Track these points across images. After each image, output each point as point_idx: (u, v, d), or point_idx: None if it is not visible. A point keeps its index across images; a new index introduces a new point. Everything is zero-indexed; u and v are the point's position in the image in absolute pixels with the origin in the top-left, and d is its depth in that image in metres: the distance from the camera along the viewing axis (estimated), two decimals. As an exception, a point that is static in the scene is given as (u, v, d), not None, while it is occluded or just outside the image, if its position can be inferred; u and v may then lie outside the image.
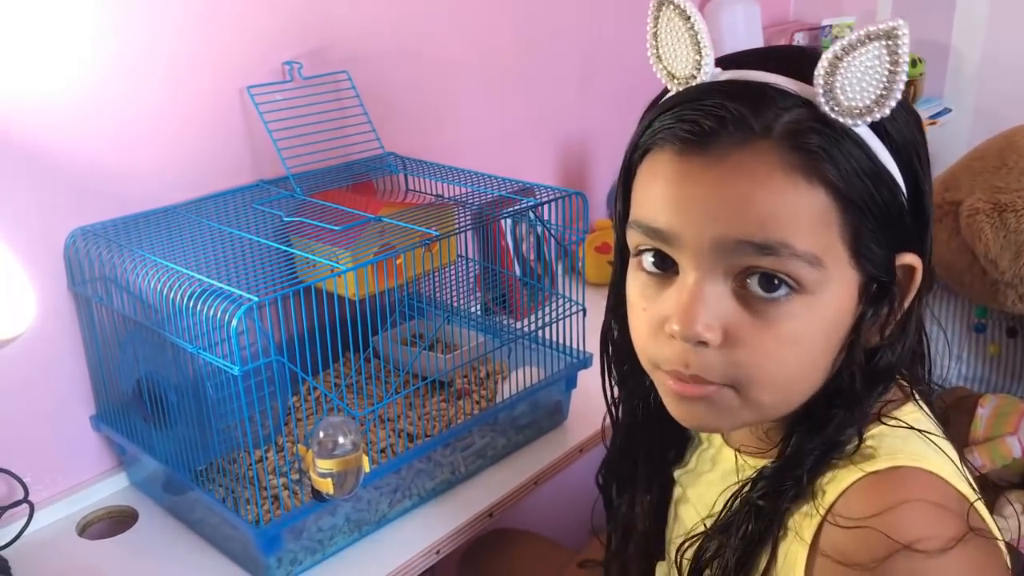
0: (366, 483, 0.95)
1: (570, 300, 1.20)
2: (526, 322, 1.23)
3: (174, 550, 1.03)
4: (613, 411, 0.85)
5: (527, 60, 1.62)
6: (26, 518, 1.03)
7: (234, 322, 0.84)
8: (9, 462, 1.04)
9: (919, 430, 0.66)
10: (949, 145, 1.95)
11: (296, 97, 1.21)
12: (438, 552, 1.03)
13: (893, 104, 0.58)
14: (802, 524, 0.65)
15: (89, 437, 1.12)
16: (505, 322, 1.31)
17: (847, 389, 0.66)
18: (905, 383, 0.71)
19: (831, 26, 2.14)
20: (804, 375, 0.65)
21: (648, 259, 0.66)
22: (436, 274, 1.26)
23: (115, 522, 1.10)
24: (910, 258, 0.65)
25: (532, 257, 1.52)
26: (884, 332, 0.66)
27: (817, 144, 0.59)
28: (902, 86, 0.58)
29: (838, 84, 0.58)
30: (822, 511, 0.63)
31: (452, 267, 1.24)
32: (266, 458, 1.05)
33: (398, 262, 1.07)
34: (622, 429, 0.86)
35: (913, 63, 2.07)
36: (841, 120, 0.59)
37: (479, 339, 1.25)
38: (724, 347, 0.62)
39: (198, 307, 0.88)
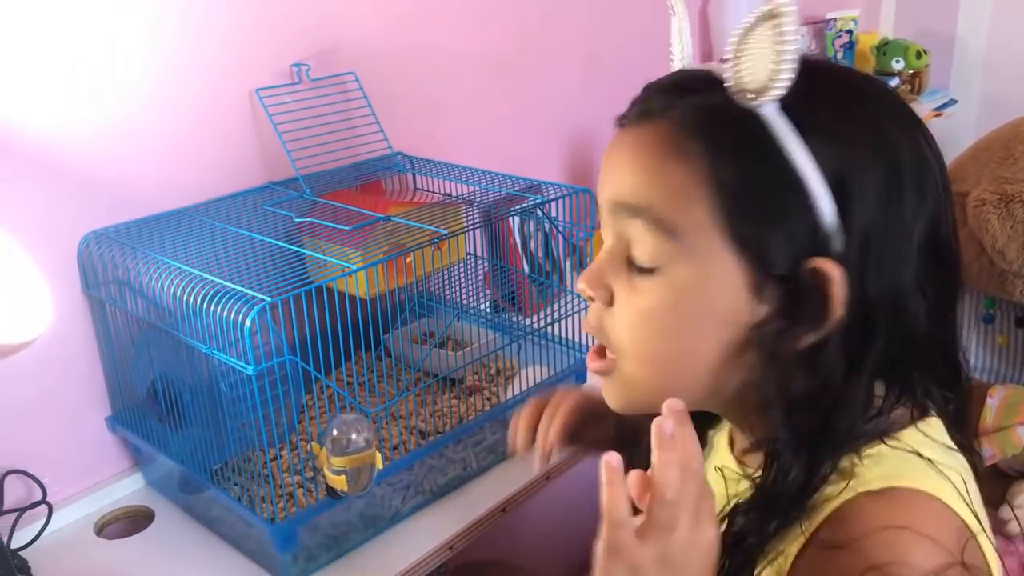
0: (379, 480, 0.96)
1: (578, 296, 1.20)
2: (535, 319, 1.24)
3: (191, 549, 1.04)
4: None
5: (533, 57, 1.62)
6: (44, 519, 1.04)
7: (247, 322, 0.85)
8: (27, 464, 1.05)
9: (923, 456, 0.63)
10: (955, 136, 1.95)
11: (304, 99, 1.22)
12: (451, 548, 1.04)
13: (780, 86, 0.58)
14: (788, 540, 0.64)
15: (105, 438, 1.13)
16: (515, 319, 1.32)
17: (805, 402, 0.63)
18: (906, 406, 0.66)
19: (836, 19, 2.14)
20: (674, 355, 0.64)
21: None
22: (446, 272, 1.27)
23: (132, 522, 1.11)
24: (822, 263, 0.59)
25: (541, 254, 1.52)
26: (808, 349, 0.61)
27: (699, 121, 0.61)
28: (785, 67, 0.58)
29: (737, 65, 0.60)
30: (808, 532, 0.62)
31: (461, 265, 1.25)
32: (280, 456, 1.06)
33: (408, 261, 1.07)
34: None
35: (918, 55, 2.07)
36: (741, 102, 0.60)
37: (489, 336, 1.26)
38: (610, 311, 0.66)
39: (211, 308, 0.89)
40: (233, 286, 0.91)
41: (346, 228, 1.05)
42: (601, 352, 0.68)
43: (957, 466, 0.64)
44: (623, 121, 0.66)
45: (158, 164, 1.13)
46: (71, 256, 1.06)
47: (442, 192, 1.31)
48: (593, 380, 1.23)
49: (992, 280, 1.41)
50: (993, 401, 1.42)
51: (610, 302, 0.66)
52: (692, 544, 0.58)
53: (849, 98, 0.62)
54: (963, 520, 0.60)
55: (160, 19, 1.09)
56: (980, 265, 1.40)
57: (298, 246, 1.07)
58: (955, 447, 0.67)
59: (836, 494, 0.62)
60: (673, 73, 0.68)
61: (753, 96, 0.59)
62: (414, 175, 1.34)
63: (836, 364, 0.61)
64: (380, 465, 0.93)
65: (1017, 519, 1.33)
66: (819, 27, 2.17)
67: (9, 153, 1.00)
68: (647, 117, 0.64)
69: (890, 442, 0.63)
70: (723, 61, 0.64)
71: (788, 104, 0.59)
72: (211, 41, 1.14)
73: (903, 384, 0.65)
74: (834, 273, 0.59)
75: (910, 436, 0.65)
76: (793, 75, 0.58)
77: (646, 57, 1.78)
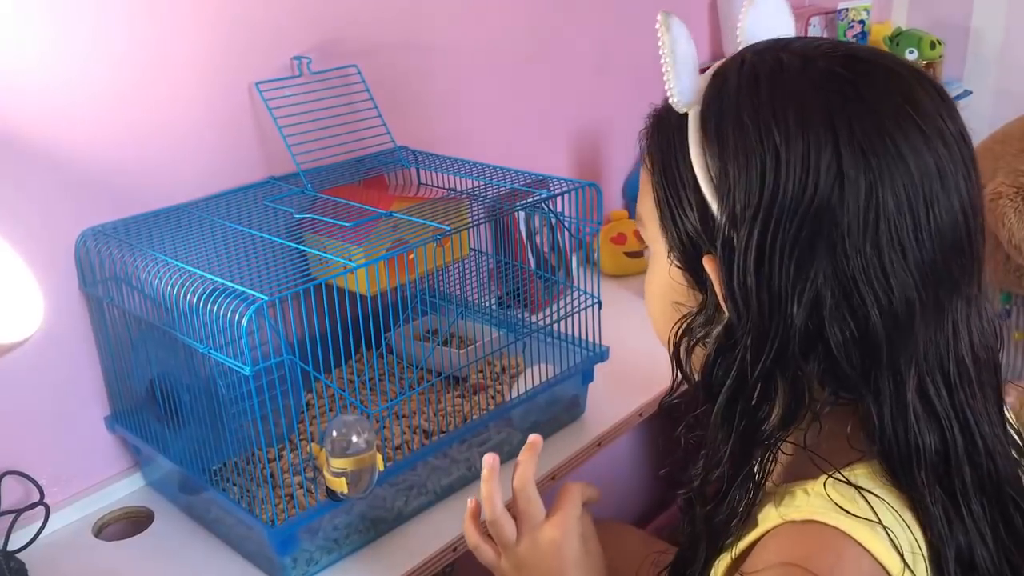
0: (381, 481, 0.94)
1: (585, 293, 1.18)
2: (541, 316, 1.22)
3: (190, 550, 1.02)
4: None
5: (539, 50, 1.60)
6: (42, 520, 1.03)
7: (244, 321, 0.83)
8: (24, 464, 1.04)
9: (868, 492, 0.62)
10: (969, 128, 1.92)
11: (305, 92, 1.20)
12: (455, 550, 1.02)
13: (672, 92, 0.65)
14: (722, 553, 0.68)
15: (104, 438, 1.12)
16: (520, 316, 1.30)
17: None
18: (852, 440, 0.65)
19: (847, 9, 2.11)
20: (656, 315, 0.75)
21: None
22: (450, 269, 1.25)
23: (131, 523, 1.10)
24: (707, 259, 0.65)
25: (547, 250, 1.50)
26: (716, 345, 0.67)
27: (651, 129, 0.70)
28: (667, 77, 0.65)
29: (665, 76, 0.66)
30: (734, 554, 0.65)
31: (466, 261, 1.23)
32: (280, 457, 1.04)
33: (411, 257, 1.06)
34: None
35: (932, 45, 2.04)
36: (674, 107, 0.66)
37: (494, 334, 1.24)
38: None
39: (209, 307, 0.87)
40: (231, 284, 0.89)
41: (348, 224, 1.03)
42: None
43: (889, 512, 0.62)
44: None
45: (156, 159, 1.11)
46: (68, 253, 1.04)
47: (446, 187, 1.29)
48: (599, 380, 1.22)
49: (1008, 275, 1.39)
50: (1010, 399, 1.40)
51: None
52: (535, 546, 0.80)
53: (747, 99, 0.62)
54: (883, 567, 0.59)
55: (158, 10, 1.07)
56: (996, 260, 1.38)
57: (299, 243, 1.05)
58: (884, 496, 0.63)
59: (765, 519, 0.64)
60: None
61: (672, 103, 0.66)
62: (418, 170, 1.32)
63: (740, 358, 0.64)
64: (381, 466, 0.91)
65: None
66: (831, 17, 2.14)
67: (5, 147, 0.98)
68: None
69: (838, 476, 0.63)
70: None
71: (703, 110, 0.65)
72: (210, 33, 1.12)
73: (797, 384, 0.64)
74: (709, 268, 0.64)
75: (863, 474, 0.64)
76: (679, 85, 0.65)
77: (656, 52, 1.75)
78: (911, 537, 0.62)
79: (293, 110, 1.17)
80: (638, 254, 1.62)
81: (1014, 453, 0.69)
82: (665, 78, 0.65)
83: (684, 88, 0.65)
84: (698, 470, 0.70)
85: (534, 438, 0.85)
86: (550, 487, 1.13)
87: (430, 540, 1.02)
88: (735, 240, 0.61)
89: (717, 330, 0.66)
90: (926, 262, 0.60)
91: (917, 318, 0.61)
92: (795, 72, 0.61)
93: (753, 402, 0.64)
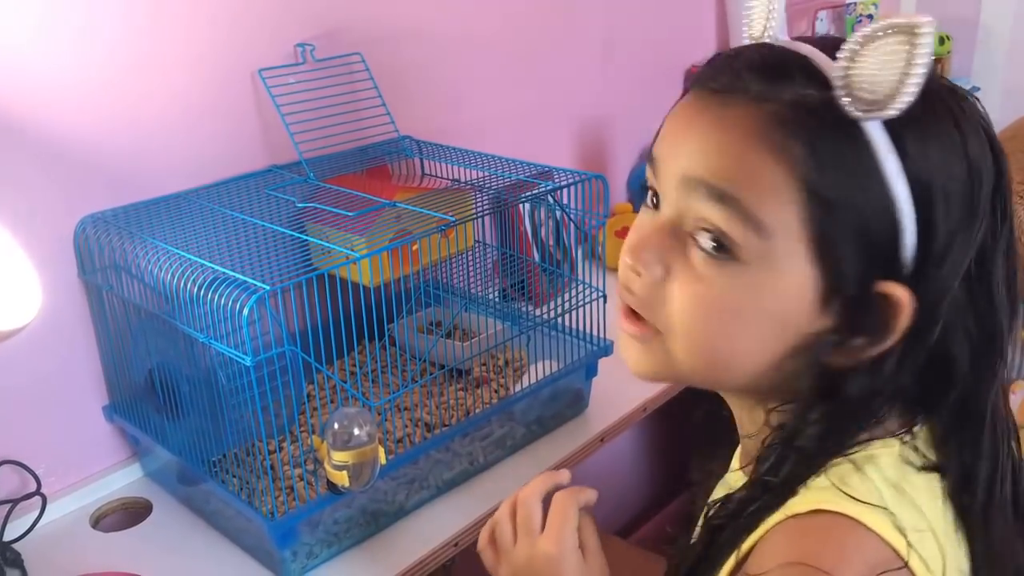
0: (383, 474, 0.93)
1: (590, 286, 1.17)
2: (545, 309, 1.20)
3: (188, 542, 1.01)
4: None
5: (546, 41, 1.58)
6: (39, 510, 1.02)
7: (245, 311, 0.82)
8: (21, 454, 1.02)
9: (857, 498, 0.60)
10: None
11: (309, 80, 1.18)
12: (456, 545, 1.01)
13: (902, 103, 0.55)
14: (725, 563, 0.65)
15: (102, 428, 1.11)
16: (524, 309, 1.29)
17: (820, 409, 0.63)
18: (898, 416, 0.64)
19: (856, 3, 2.09)
20: (729, 351, 0.63)
21: (650, 193, 0.67)
22: (453, 260, 1.24)
23: (129, 514, 1.08)
24: (893, 288, 0.58)
25: (551, 242, 1.49)
26: (854, 362, 0.61)
27: (802, 123, 0.58)
28: (913, 87, 0.55)
29: (854, 72, 0.56)
30: (738, 555, 0.63)
31: (470, 253, 1.22)
32: (281, 449, 1.03)
33: (414, 248, 1.04)
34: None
35: (941, 40, 2.02)
36: (851, 111, 0.56)
37: (498, 326, 1.22)
38: (663, 286, 0.63)
39: (209, 296, 0.86)
40: (231, 273, 0.88)
41: (350, 214, 1.02)
42: (637, 315, 0.65)
43: (911, 491, 0.61)
44: (708, 84, 0.62)
45: (157, 146, 1.09)
46: (67, 240, 1.03)
47: (450, 178, 1.27)
48: (603, 375, 1.21)
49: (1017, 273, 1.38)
50: (1016, 397, 1.39)
51: (663, 278, 0.63)
52: (531, 561, 0.76)
53: (945, 120, 0.58)
54: (893, 549, 0.58)
55: (160, -4, 1.06)
56: (1005, 257, 1.37)
57: (301, 232, 1.04)
58: (924, 466, 0.63)
59: (776, 516, 0.62)
60: (763, 47, 0.63)
61: (866, 108, 0.56)
62: (421, 160, 1.31)
63: (867, 382, 0.61)
64: (383, 460, 0.90)
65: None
66: (839, 11, 2.12)
67: (5, 133, 0.97)
68: (739, 97, 0.60)
69: (836, 460, 0.62)
70: (819, 47, 0.61)
71: (890, 122, 0.56)
72: (213, 19, 1.11)
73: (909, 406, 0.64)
74: (904, 301, 0.58)
75: (879, 450, 0.63)
76: (916, 95, 0.55)
77: (663, 43, 1.74)
78: (924, 508, 0.61)
79: (296, 98, 1.15)
80: (642, 248, 1.60)
81: None
82: (849, 74, 0.56)
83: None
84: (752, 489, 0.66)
85: (564, 473, 0.82)
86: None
87: (431, 535, 1.00)
88: (944, 270, 0.59)
89: (866, 351, 0.61)
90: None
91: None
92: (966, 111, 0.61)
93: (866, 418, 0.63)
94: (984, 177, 0.59)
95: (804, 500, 0.61)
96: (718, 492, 0.76)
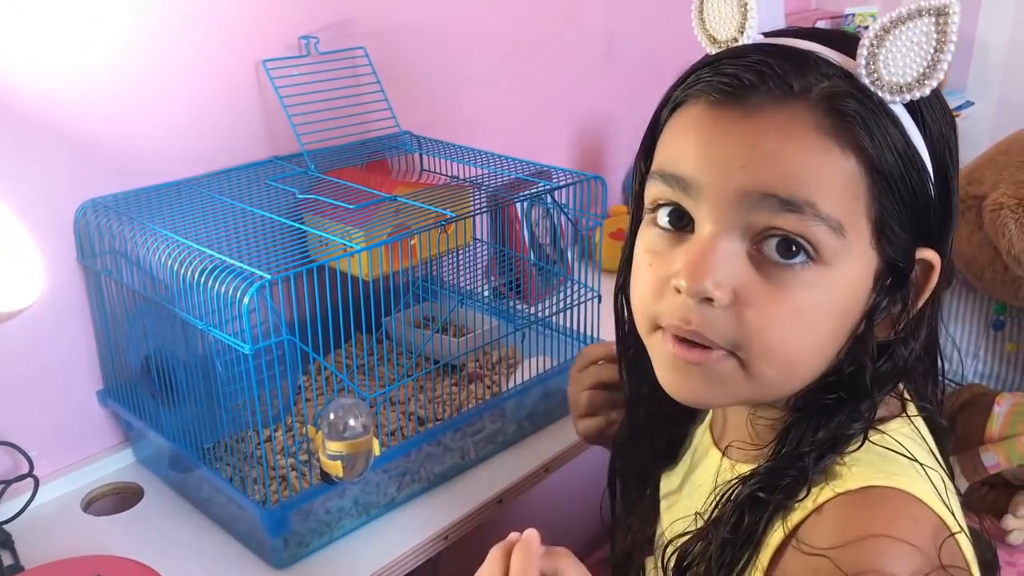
0: (375, 466, 0.94)
1: (585, 286, 1.18)
2: (540, 307, 1.21)
3: (179, 528, 1.01)
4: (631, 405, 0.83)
5: (547, 40, 1.59)
6: (30, 492, 1.02)
7: (246, 300, 0.83)
8: (14, 436, 1.03)
9: (902, 453, 0.63)
10: (971, 139, 1.92)
11: (312, 72, 1.19)
12: (446, 538, 1.01)
13: (934, 83, 0.58)
14: (770, 531, 0.63)
15: (96, 412, 1.11)
16: (518, 306, 1.30)
17: (851, 383, 0.64)
18: (897, 397, 0.67)
19: (854, 15, 2.11)
20: (810, 354, 0.62)
21: (664, 213, 0.64)
22: (450, 256, 1.24)
23: (120, 499, 1.09)
24: (929, 254, 0.63)
25: (547, 241, 1.50)
26: (896, 328, 0.64)
27: (854, 110, 0.58)
28: (946, 66, 0.57)
29: (882, 56, 0.58)
30: (786, 530, 0.62)
31: (466, 250, 1.22)
32: (274, 438, 1.04)
33: (412, 243, 1.05)
34: (628, 422, 0.85)
35: (937, 54, 2.04)
36: (880, 94, 0.59)
37: (492, 323, 1.23)
38: (732, 308, 0.60)
39: (209, 283, 0.86)
40: (232, 261, 0.88)
41: (350, 207, 1.03)
42: (692, 343, 0.62)
43: (935, 465, 0.64)
44: (719, 92, 0.60)
45: (160, 133, 1.10)
46: (67, 224, 1.03)
47: (449, 174, 1.28)
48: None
49: (1005, 286, 1.39)
50: (1000, 409, 1.40)
51: (732, 302, 0.60)
52: None
53: (937, 88, 0.62)
54: (941, 518, 0.60)
55: (167, -16, 1.06)
56: (994, 271, 1.38)
57: (300, 223, 1.04)
58: (933, 450, 0.67)
59: (817, 493, 0.61)
60: (755, 48, 0.62)
61: (897, 90, 0.58)
62: (421, 155, 1.32)
63: (904, 349, 0.64)
64: (377, 451, 0.91)
65: (1020, 530, 1.31)
66: (837, 22, 2.14)
67: (7, 116, 0.97)
68: (768, 99, 0.59)
69: (874, 437, 0.63)
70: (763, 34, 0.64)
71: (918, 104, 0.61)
72: (219, 9, 1.11)
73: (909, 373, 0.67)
74: (936, 263, 0.63)
75: (896, 429, 0.65)
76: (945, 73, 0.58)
77: (664, 44, 1.75)
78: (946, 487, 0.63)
79: (299, 90, 1.16)
80: (637, 250, 1.61)
81: None
82: (876, 59, 0.58)
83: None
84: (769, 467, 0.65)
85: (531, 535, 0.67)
86: (543, 480, 1.13)
87: (421, 527, 1.01)
88: (953, 226, 0.64)
89: (893, 320, 0.64)
90: None
91: None
92: None
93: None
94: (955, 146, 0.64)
95: (853, 477, 0.61)
96: (690, 499, 0.76)
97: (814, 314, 0.60)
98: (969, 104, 2.13)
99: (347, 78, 1.23)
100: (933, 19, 0.56)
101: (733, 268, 0.60)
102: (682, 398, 0.66)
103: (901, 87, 0.57)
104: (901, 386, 0.68)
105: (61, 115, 1.01)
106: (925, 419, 0.69)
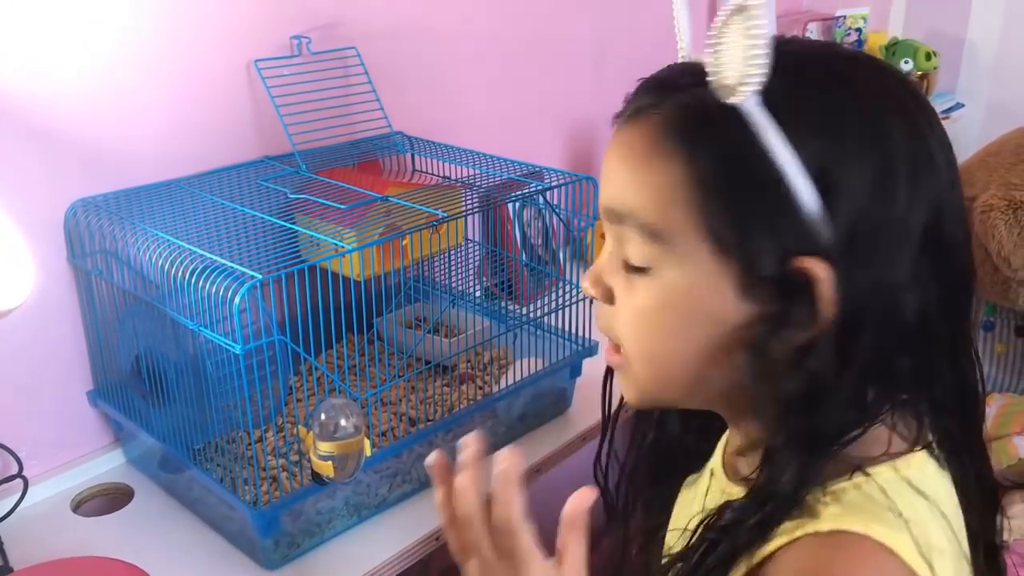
0: (366, 467, 0.94)
1: (577, 287, 1.18)
2: (531, 308, 1.21)
3: (170, 529, 1.01)
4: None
5: (539, 42, 1.59)
6: (19, 493, 1.02)
7: (237, 300, 0.82)
8: (3, 436, 1.02)
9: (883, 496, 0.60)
10: (961, 141, 1.93)
11: (303, 72, 1.19)
12: (437, 539, 1.01)
13: (756, 78, 0.56)
14: (738, 565, 0.62)
15: (86, 412, 1.11)
16: (509, 307, 1.30)
17: (805, 406, 0.61)
18: (893, 430, 0.63)
19: (845, 16, 2.12)
20: (672, 356, 0.64)
21: None
22: (441, 257, 1.24)
23: (110, 499, 1.08)
24: (809, 263, 0.57)
25: (539, 242, 1.50)
26: (800, 346, 0.60)
27: (684, 121, 0.60)
28: (759, 60, 0.56)
29: (716, 59, 0.58)
30: (750, 564, 0.61)
31: (458, 250, 1.22)
32: (265, 439, 1.03)
33: (404, 243, 1.05)
34: (648, 440, 0.83)
35: (927, 56, 2.05)
36: (721, 97, 0.58)
37: (484, 324, 1.23)
38: (611, 308, 0.67)
39: (200, 283, 0.86)
40: (223, 261, 0.88)
41: (341, 207, 1.02)
42: (617, 348, 0.68)
43: (926, 513, 0.60)
44: (616, 121, 0.66)
45: (151, 132, 1.10)
46: (57, 224, 1.03)
47: (441, 175, 1.28)
48: (586, 375, 1.21)
49: (995, 287, 1.40)
50: (990, 410, 1.41)
51: (611, 300, 0.66)
52: None
53: (833, 85, 0.59)
54: (911, 569, 0.57)
55: (158, -17, 1.06)
56: (984, 271, 1.39)
57: (291, 223, 1.04)
58: (928, 493, 0.62)
59: (791, 528, 0.60)
60: (665, 68, 0.66)
61: (731, 91, 0.57)
62: (413, 156, 1.32)
63: (827, 364, 0.59)
64: (368, 452, 0.90)
65: (1011, 530, 1.31)
66: (828, 24, 2.14)
67: (-4, 115, 0.97)
68: (635, 117, 0.63)
69: (858, 478, 0.61)
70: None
71: (768, 97, 0.57)
72: (211, 9, 1.11)
73: (891, 388, 0.62)
74: (821, 273, 0.57)
75: (883, 474, 0.61)
76: (766, 68, 0.56)
77: (656, 45, 1.74)
78: (946, 523, 0.61)
79: (290, 89, 1.16)
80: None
81: None
82: (714, 55, 0.58)
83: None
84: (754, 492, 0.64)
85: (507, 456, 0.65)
86: (534, 480, 1.13)
87: (412, 528, 1.01)
88: (860, 231, 0.58)
89: (799, 336, 0.59)
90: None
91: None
92: (872, 67, 0.62)
93: (829, 410, 0.61)
94: (898, 146, 0.58)
95: (828, 517, 0.59)
96: (694, 505, 0.76)
97: (655, 318, 0.63)
98: (959, 106, 2.14)
99: (339, 78, 1.23)
100: (741, 17, 0.56)
101: (611, 271, 0.66)
102: (624, 396, 0.73)
103: (731, 86, 0.57)
104: (896, 419, 0.64)
105: (51, 115, 1.01)
106: (950, 462, 0.65)
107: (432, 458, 0.68)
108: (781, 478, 0.61)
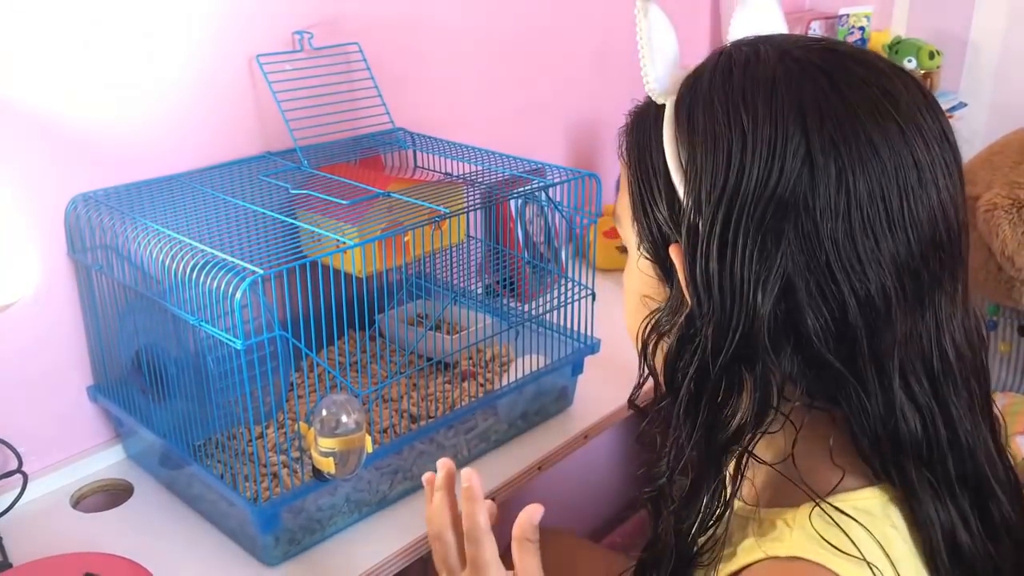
0: (367, 463, 0.93)
1: (579, 284, 1.17)
2: (534, 305, 1.21)
3: (170, 525, 1.01)
4: None
5: (543, 38, 1.59)
6: (19, 489, 1.01)
7: (238, 295, 0.82)
8: (3, 431, 1.02)
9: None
10: (965, 140, 1.92)
11: (306, 68, 1.18)
12: (438, 536, 1.01)
13: (649, 81, 0.65)
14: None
15: (86, 408, 1.10)
16: (510, 305, 1.29)
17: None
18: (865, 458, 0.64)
19: (848, 15, 2.11)
20: (626, 314, 0.74)
21: None
22: (443, 253, 1.24)
23: (110, 495, 1.08)
24: (672, 249, 0.64)
25: (541, 239, 1.49)
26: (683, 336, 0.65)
27: (630, 123, 0.69)
28: (646, 66, 0.65)
29: (642, 68, 0.66)
30: None
31: (460, 247, 1.22)
32: (266, 435, 1.03)
33: (406, 239, 1.04)
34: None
35: (931, 55, 2.04)
36: (656, 101, 0.66)
37: (485, 321, 1.23)
38: None
39: (201, 278, 0.86)
40: (224, 256, 0.88)
41: (343, 202, 1.02)
42: None
43: (877, 550, 0.61)
44: None
45: (152, 127, 1.09)
46: (58, 218, 1.02)
47: (443, 171, 1.27)
48: (588, 372, 1.21)
49: (999, 287, 1.39)
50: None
51: None
52: None
53: (720, 85, 0.62)
54: None
55: (160, -23, 1.05)
56: (987, 271, 1.38)
57: (293, 219, 1.04)
58: (876, 533, 0.62)
59: (747, 550, 0.63)
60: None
61: (650, 93, 0.66)
62: (415, 152, 1.31)
63: (702, 349, 0.63)
64: (369, 448, 0.90)
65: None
66: (831, 22, 2.14)
67: (-3, 108, 0.96)
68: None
69: (826, 506, 0.61)
70: None
71: (678, 98, 0.64)
72: (213, 4, 1.11)
73: (764, 377, 0.62)
74: (676, 259, 0.64)
75: (863, 499, 0.63)
76: (654, 72, 0.65)
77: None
78: (900, 553, 0.61)
79: (292, 85, 1.15)
80: (629, 249, 1.61)
81: (996, 456, 0.69)
82: (642, 65, 0.65)
83: (660, 76, 0.65)
84: (662, 468, 0.69)
85: (468, 476, 0.75)
86: (536, 477, 1.13)
87: (413, 526, 1.00)
88: (700, 225, 0.61)
89: (679, 320, 0.64)
90: (901, 254, 0.59)
91: (895, 309, 0.59)
92: (770, 61, 0.61)
93: (718, 398, 0.63)
94: (780, 140, 0.58)
95: (790, 542, 0.61)
96: None
97: (625, 296, 0.73)
98: (962, 106, 2.13)
99: (341, 74, 1.22)
100: (638, 20, 0.65)
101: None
102: None
103: (648, 89, 0.66)
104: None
105: (52, 109, 1.00)
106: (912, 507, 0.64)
107: (428, 477, 0.81)
108: (676, 475, 0.67)
